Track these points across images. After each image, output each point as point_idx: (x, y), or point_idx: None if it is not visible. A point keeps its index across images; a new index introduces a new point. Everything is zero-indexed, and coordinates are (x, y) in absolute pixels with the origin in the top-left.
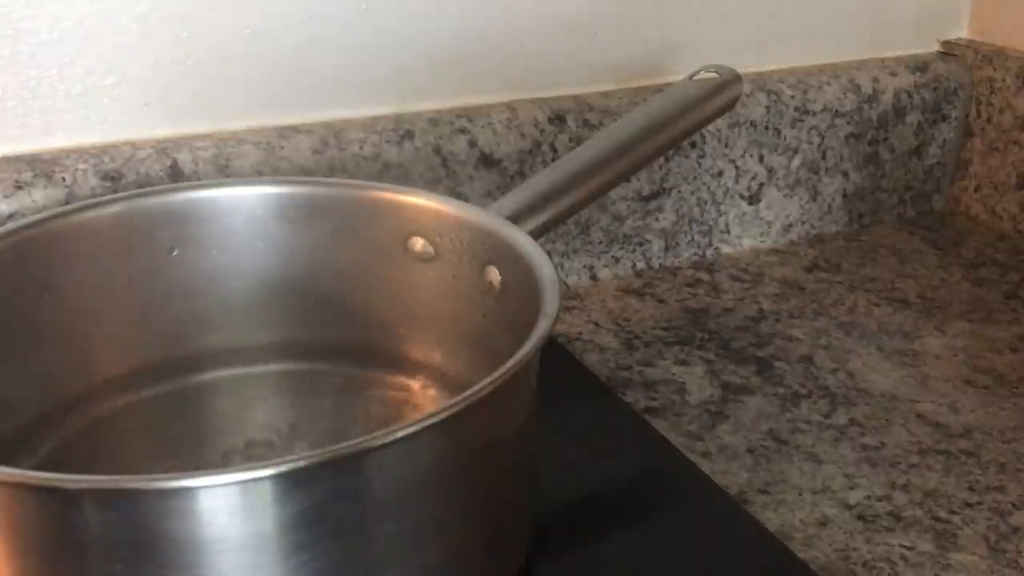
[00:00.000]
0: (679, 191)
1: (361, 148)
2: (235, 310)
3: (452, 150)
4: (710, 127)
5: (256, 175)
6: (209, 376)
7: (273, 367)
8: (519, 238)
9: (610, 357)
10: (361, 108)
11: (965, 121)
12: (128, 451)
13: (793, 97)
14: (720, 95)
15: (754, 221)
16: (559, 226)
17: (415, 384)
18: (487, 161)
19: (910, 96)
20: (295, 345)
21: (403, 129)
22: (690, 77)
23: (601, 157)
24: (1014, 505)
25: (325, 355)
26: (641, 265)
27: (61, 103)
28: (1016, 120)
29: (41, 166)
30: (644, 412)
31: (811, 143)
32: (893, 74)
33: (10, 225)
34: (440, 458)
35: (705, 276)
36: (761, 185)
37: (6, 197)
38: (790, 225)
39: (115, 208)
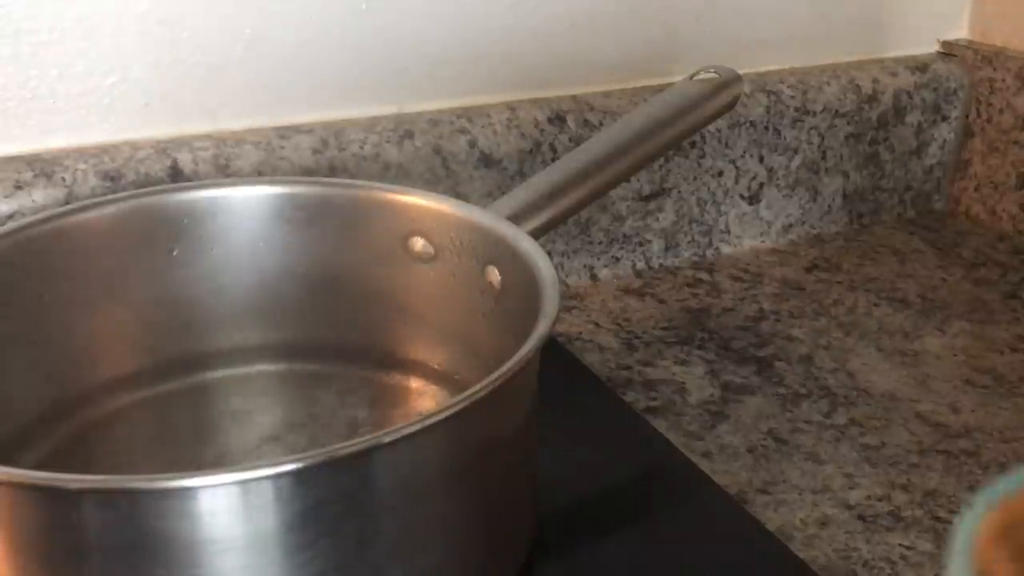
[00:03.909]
0: (679, 191)
1: (361, 148)
2: (235, 310)
3: (452, 150)
4: (710, 127)
5: (256, 175)
6: (209, 376)
7: (273, 367)
8: (519, 238)
9: (610, 357)
10: (361, 108)
11: (965, 121)
12: (128, 451)
13: (793, 97)
14: (720, 95)
15: (754, 221)
16: (559, 226)
17: (415, 384)
18: (487, 161)
19: (910, 96)
20: (295, 345)
21: (403, 129)
22: (690, 77)
23: (601, 157)
24: None
25: (325, 355)
26: (641, 265)
27: (61, 103)
28: (1016, 120)
29: (41, 166)
30: (644, 412)
31: (811, 143)
32: (893, 74)
33: (10, 225)
34: (440, 458)
35: (705, 276)
36: (761, 185)
37: (6, 197)
38: (790, 225)
39: (115, 208)
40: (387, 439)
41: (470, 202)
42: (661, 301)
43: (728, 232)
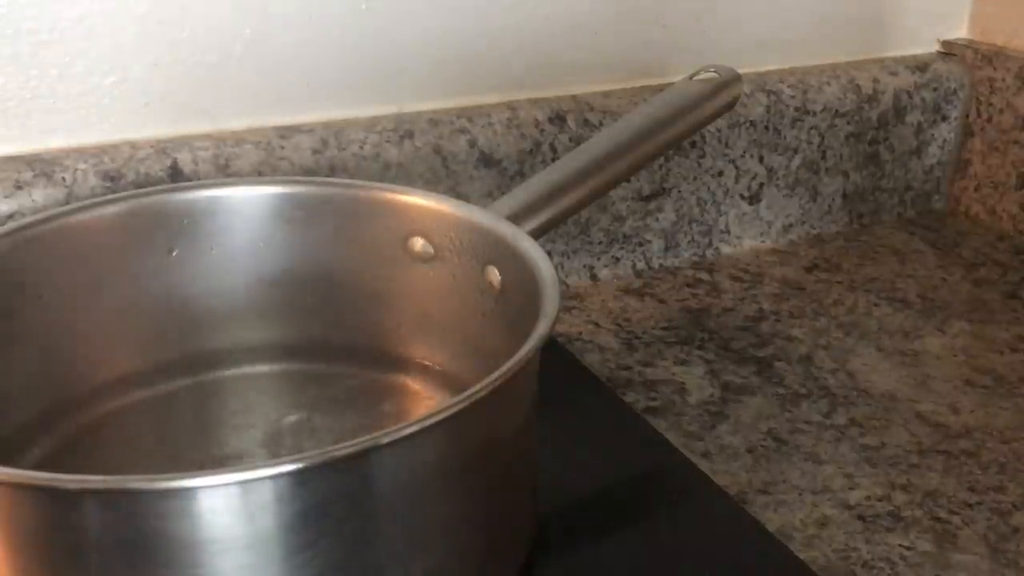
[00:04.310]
0: (679, 191)
1: (361, 148)
2: (235, 310)
3: (452, 150)
4: (710, 127)
5: (256, 175)
6: (208, 376)
7: (273, 367)
8: (519, 238)
9: (610, 357)
10: (361, 108)
11: (965, 121)
12: (128, 451)
13: (793, 97)
14: (720, 95)
15: (754, 221)
16: (559, 226)
17: (415, 384)
18: (487, 161)
19: (910, 96)
20: (295, 345)
21: (403, 129)
22: (690, 77)
23: (601, 157)
24: (1014, 505)
25: (325, 355)
26: (641, 265)
27: (61, 103)
28: (1016, 120)
29: (41, 166)
30: (644, 412)
31: (811, 143)
32: (893, 74)
33: (10, 225)
34: (440, 458)
35: (705, 276)
36: (761, 185)
37: (6, 197)
38: (790, 225)
39: (115, 208)
40: (386, 439)
41: (470, 202)
42: (661, 301)
43: (728, 232)
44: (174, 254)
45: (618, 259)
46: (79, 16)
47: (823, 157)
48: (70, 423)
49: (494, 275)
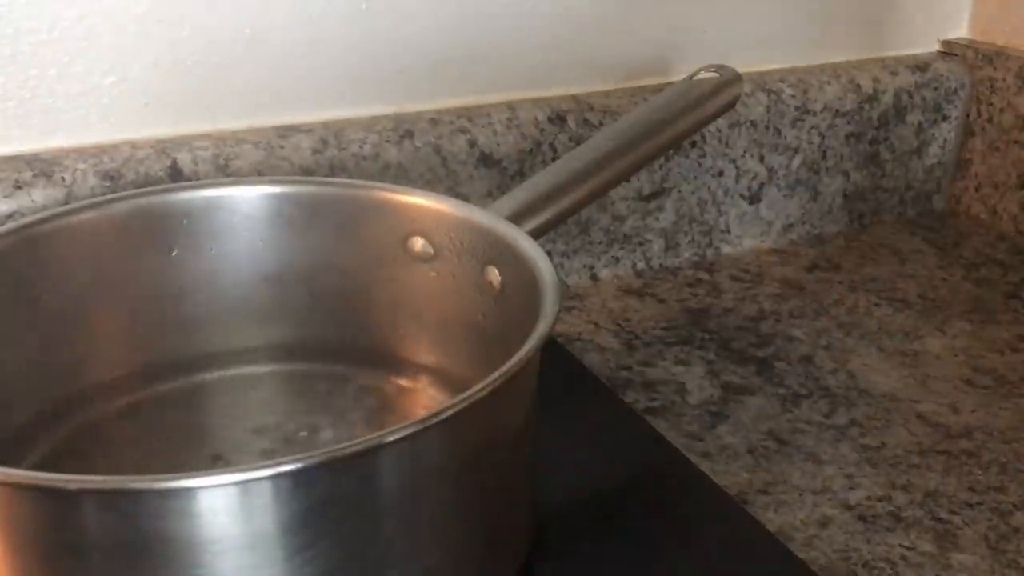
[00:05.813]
0: (679, 191)
1: (361, 148)
2: (235, 310)
3: (452, 150)
4: (710, 127)
5: (256, 175)
6: (209, 376)
7: (273, 367)
8: (519, 238)
9: (610, 357)
10: (361, 108)
11: (965, 121)
12: (128, 451)
13: (793, 97)
14: (720, 95)
15: (754, 221)
16: (559, 226)
17: (415, 384)
18: (487, 161)
19: (910, 96)
20: (295, 345)
21: (403, 129)
22: (690, 77)
23: (601, 157)
24: (1014, 505)
25: (325, 355)
26: (641, 265)
27: (61, 103)
28: (1016, 120)
29: (41, 166)
30: (644, 412)
31: (811, 143)
32: (893, 74)
33: (10, 225)
34: (440, 458)
35: (705, 276)
36: (761, 185)
37: (6, 197)
38: (790, 225)
39: (115, 208)
40: (387, 439)
41: (470, 202)
42: (661, 301)
43: (728, 232)
44: (174, 254)
45: (618, 259)
46: (79, 16)
47: (823, 157)
48: (70, 423)
49: (494, 275)
